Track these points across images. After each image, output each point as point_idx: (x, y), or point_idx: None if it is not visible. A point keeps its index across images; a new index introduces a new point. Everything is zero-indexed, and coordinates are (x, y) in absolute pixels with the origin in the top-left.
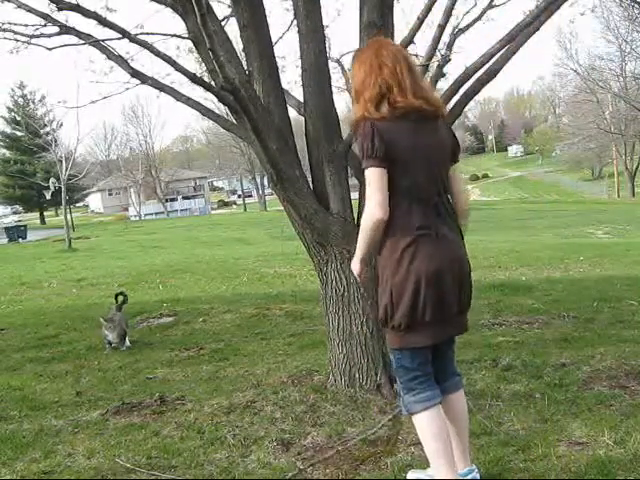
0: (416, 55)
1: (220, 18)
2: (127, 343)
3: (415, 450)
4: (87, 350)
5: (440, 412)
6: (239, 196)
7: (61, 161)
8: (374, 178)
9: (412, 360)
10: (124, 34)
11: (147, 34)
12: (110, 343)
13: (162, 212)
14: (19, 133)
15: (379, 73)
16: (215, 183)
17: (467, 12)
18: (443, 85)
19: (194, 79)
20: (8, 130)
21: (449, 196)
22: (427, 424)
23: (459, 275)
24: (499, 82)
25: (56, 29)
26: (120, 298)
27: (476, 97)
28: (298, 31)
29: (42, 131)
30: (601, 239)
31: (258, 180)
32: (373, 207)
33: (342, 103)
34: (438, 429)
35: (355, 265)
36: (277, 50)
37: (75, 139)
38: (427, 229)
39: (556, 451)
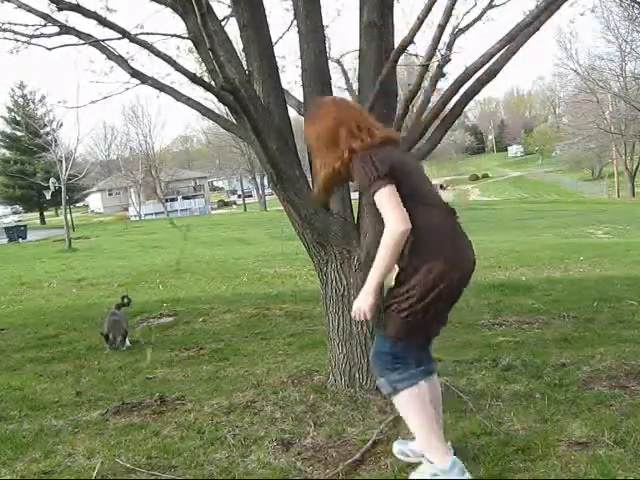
0: (416, 55)
1: (220, 18)
2: (127, 343)
3: None
4: (87, 350)
5: (423, 389)
6: (239, 196)
7: (61, 161)
8: (387, 197)
9: (409, 351)
10: (124, 34)
11: (147, 34)
12: (106, 337)
13: (162, 212)
14: (19, 133)
15: (348, 115)
16: (215, 183)
17: (467, 12)
18: (443, 85)
19: (194, 79)
20: (8, 130)
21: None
22: (414, 398)
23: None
24: (499, 82)
25: (56, 29)
26: (125, 300)
27: (476, 97)
28: (298, 31)
29: (42, 131)
30: (601, 239)
31: (258, 180)
32: (394, 222)
33: None
34: (424, 403)
35: (368, 298)
36: (277, 50)
37: (75, 139)
38: (450, 229)
39: (556, 451)
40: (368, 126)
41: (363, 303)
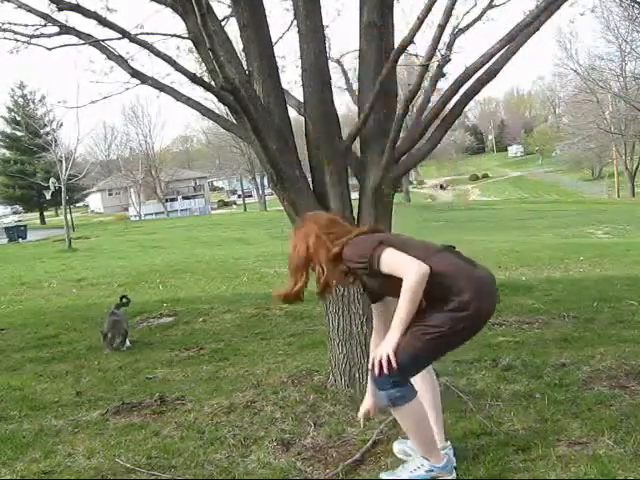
0: (416, 55)
1: (220, 18)
2: (127, 343)
3: None
4: (87, 350)
5: (419, 402)
6: (239, 196)
7: (61, 161)
8: (392, 254)
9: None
10: (124, 34)
11: (147, 34)
12: (105, 336)
13: (162, 212)
14: (19, 133)
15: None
16: (215, 183)
17: (467, 12)
18: (443, 85)
19: (194, 79)
20: (8, 130)
21: None
22: (414, 414)
23: None
24: (499, 82)
25: (56, 29)
26: (124, 300)
27: (476, 97)
28: (298, 31)
29: (42, 131)
30: (601, 239)
31: (258, 180)
32: (411, 268)
33: (342, 103)
34: (420, 415)
35: (393, 345)
36: (277, 50)
37: (75, 139)
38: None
39: (556, 451)
40: (341, 231)
41: (389, 349)
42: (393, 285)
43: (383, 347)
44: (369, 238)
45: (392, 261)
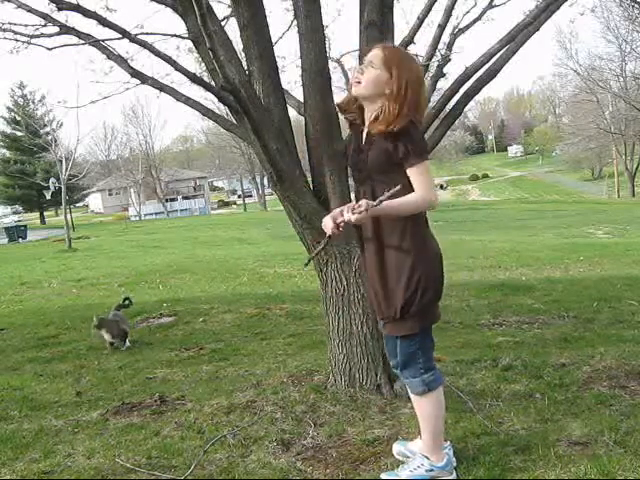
0: (416, 55)
1: (220, 18)
2: (127, 343)
3: None
4: (87, 350)
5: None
6: (239, 196)
7: (61, 161)
8: (427, 169)
9: (430, 338)
10: (124, 34)
11: (147, 34)
12: (112, 343)
13: (162, 212)
14: (19, 133)
15: (421, 91)
16: (215, 183)
17: (467, 12)
18: (443, 85)
19: (194, 79)
20: (8, 130)
21: None
22: (437, 402)
23: None
24: (499, 82)
25: (56, 29)
26: (127, 302)
27: (476, 97)
28: (298, 31)
29: (42, 131)
30: (601, 239)
31: (258, 180)
32: (433, 193)
33: None
34: (442, 408)
35: (365, 211)
36: (277, 50)
37: (75, 139)
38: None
39: (556, 451)
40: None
41: (361, 215)
42: (388, 184)
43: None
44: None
45: (422, 173)
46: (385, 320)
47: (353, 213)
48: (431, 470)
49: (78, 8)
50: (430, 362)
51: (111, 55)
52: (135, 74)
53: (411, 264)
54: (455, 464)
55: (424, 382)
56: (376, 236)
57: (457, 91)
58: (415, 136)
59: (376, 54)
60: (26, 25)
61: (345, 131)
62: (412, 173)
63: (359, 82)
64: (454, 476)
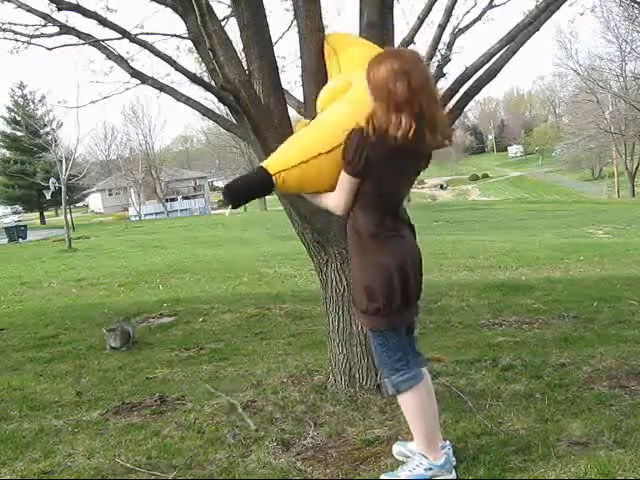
0: None
1: (220, 18)
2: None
3: None
4: (87, 350)
5: (425, 391)
6: None
7: (61, 161)
8: (347, 181)
9: (396, 337)
10: (124, 34)
11: (147, 34)
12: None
13: (162, 212)
14: (19, 133)
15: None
16: (215, 183)
17: (467, 12)
18: (443, 85)
19: (194, 79)
20: (8, 130)
21: None
22: (415, 402)
23: (418, 266)
24: (499, 82)
25: (56, 29)
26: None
27: (476, 97)
28: (298, 31)
29: (42, 131)
30: (601, 239)
31: None
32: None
33: None
34: (424, 407)
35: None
36: (277, 50)
37: (75, 139)
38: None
39: (556, 451)
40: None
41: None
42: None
43: None
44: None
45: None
46: (357, 312)
47: None
48: (430, 469)
49: (78, 8)
50: (398, 363)
51: (111, 55)
52: (135, 74)
53: (359, 273)
54: (454, 463)
55: (392, 383)
56: (349, 236)
57: (457, 91)
58: (348, 145)
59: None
60: (26, 25)
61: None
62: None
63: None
64: (453, 475)
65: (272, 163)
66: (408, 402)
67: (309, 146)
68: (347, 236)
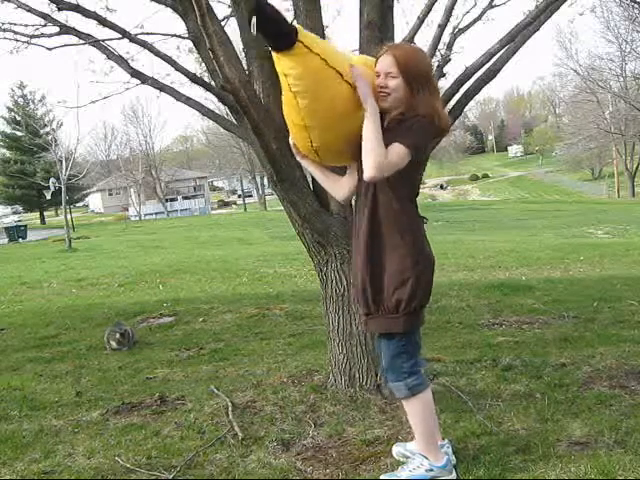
0: None
1: (220, 18)
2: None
3: None
4: (87, 350)
5: (431, 392)
6: (239, 196)
7: (61, 161)
8: (403, 156)
9: (416, 341)
10: (124, 34)
11: (147, 34)
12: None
13: (162, 212)
14: (19, 133)
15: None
16: (215, 183)
17: (467, 12)
18: (443, 85)
19: (194, 79)
20: (8, 130)
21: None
22: (424, 404)
23: None
24: (499, 82)
25: (56, 29)
26: None
27: (476, 97)
28: None
29: (42, 131)
30: (601, 239)
31: (258, 180)
32: (379, 169)
33: None
34: (430, 408)
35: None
36: None
37: (75, 139)
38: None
39: (556, 451)
40: None
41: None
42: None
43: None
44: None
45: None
46: (372, 316)
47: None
48: (431, 470)
49: (78, 8)
50: (414, 367)
51: (111, 55)
52: (135, 74)
53: (410, 265)
54: (454, 463)
55: (407, 386)
56: (375, 233)
57: (457, 91)
58: (422, 128)
59: (390, 62)
60: (26, 25)
61: None
62: (392, 146)
63: (385, 95)
64: (454, 475)
65: (304, 33)
66: (419, 404)
67: (332, 55)
68: (372, 229)
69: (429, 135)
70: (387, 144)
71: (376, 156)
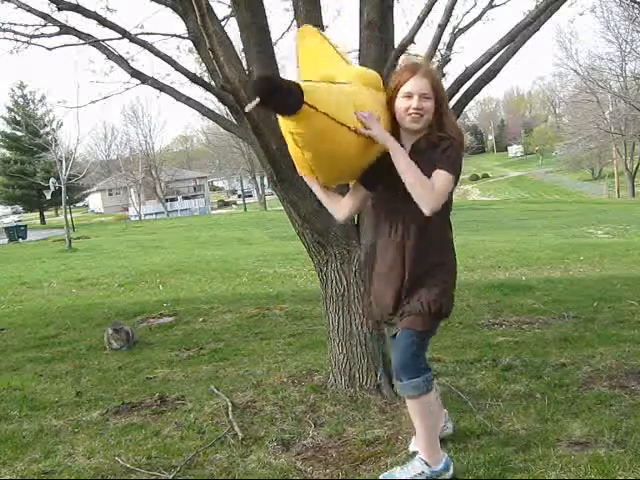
0: (416, 55)
1: (220, 18)
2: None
3: None
4: (87, 350)
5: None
6: (239, 196)
7: (61, 161)
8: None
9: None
10: (124, 34)
11: (147, 34)
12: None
13: (162, 212)
14: (19, 133)
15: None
16: (215, 183)
17: (467, 12)
18: (443, 85)
19: (194, 79)
20: (8, 130)
21: None
22: (432, 400)
23: None
24: (499, 82)
25: (56, 29)
26: None
27: (476, 97)
28: None
29: (42, 131)
30: (601, 239)
31: (258, 180)
32: (438, 202)
33: None
34: (436, 406)
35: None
36: (277, 50)
37: (75, 139)
38: None
39: (556, 451)
40: None
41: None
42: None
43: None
44: None
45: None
46: (405, 315)
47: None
48: (424, 473)
49: (78, 8)
50: (425, 362)
51: (111, 55)
52: (135, 74)
53: (450, 268)
54: (452, 463)
55: (425, 381)
56: (418, 234)
57: (457, 91)
58: (458, 158)
59: (426, 84)
60: (26, 25)
61: None
62: (438, 174)
63: (420, 116)
64: (451, 472)
65: (310, 91)
66: (427, 402)
67: (338, 106)
68: (420, 243)
69: (462, 157)
70: (425, 167)
71: (428, 194)
